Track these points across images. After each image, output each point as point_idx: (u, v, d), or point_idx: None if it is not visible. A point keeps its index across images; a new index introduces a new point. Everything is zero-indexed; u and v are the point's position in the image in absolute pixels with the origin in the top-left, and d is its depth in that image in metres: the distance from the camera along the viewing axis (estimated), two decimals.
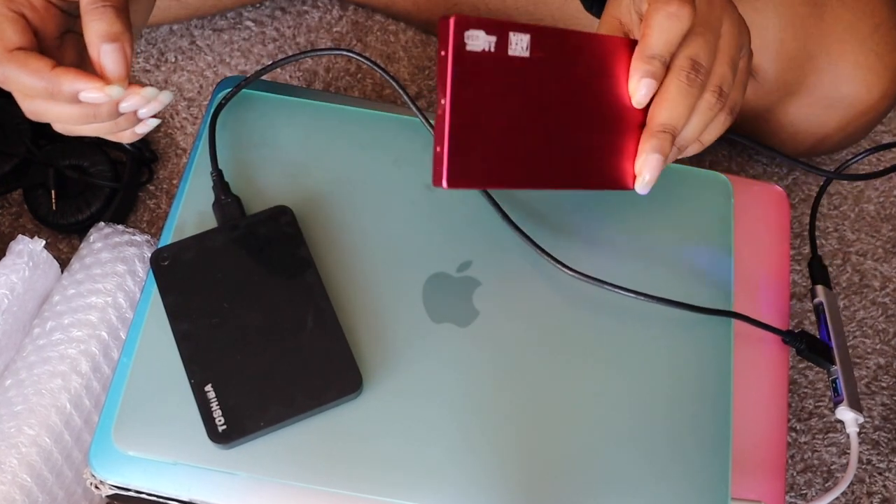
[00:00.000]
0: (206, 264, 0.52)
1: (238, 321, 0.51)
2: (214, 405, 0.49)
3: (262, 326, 0.51)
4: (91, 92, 0.45)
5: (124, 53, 0.46)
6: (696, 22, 0.48)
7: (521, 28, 0.44)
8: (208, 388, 0.49)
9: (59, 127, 0.49)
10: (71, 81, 0.45)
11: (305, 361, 0.50)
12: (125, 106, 0.47)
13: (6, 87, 0.47)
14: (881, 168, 0.73)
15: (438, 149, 0.43)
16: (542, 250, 0.53)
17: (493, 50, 0.43)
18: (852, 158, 0.66)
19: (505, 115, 0.45)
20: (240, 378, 0.49)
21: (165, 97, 0.48)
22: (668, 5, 0.47)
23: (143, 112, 0.48)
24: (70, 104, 0.46)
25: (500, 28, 0.43)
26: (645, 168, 0.49)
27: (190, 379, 0.49)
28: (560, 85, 0.47)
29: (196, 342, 0.50)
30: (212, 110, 0.58)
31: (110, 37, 0.46)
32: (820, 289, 0.59)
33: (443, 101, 0.43)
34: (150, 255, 0.64)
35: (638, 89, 0.48)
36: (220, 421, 0.48)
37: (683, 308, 0.53)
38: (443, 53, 0.42)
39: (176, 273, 0.52)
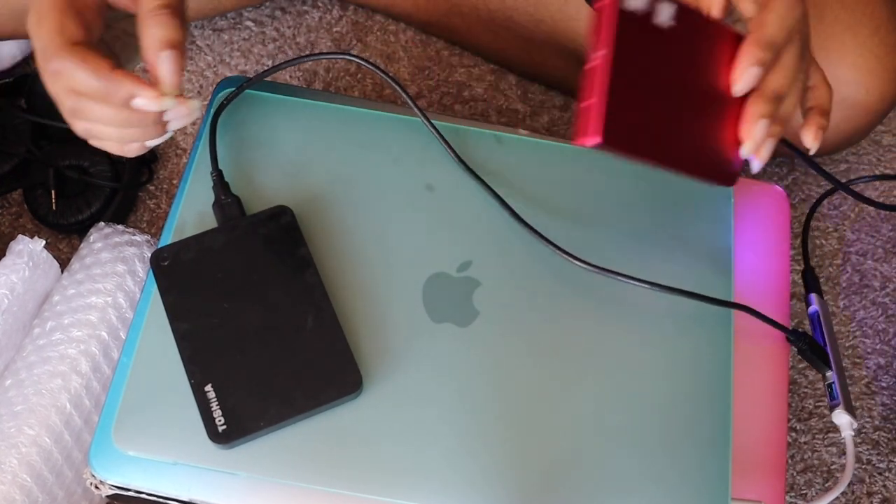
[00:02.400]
0: (206, 264, 0.52)
1: (238, 321, 0.51)
2: (214, 405, 0.48)
3: (262, 326, 0.51)
4: (147, 100, 0.46)
5: (180, 62, 0.46)
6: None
7: None
8: (208, 387, 0.49)
9: (83, 126, 0.48)
10: (130, 87, 0.45)
11: (305, 361, 0.50)
12: (171, 115, 0.47)
13: (54, 82, 0.46)
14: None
15: (593, 100, 0.41)
16: (553, 244, 0.53)
17: (644, 11, 0.43)
18: (865, 177, 0.67)
19: (649, 80, 0.44)
20: (240, 378, 0.49)
21: (196, 109, 0.48)
22: None
23: (174, 124, 0.49)
24: (118, 108, 0.46)
25: None
26: (754, 131, 0.47)
27: (190, 379, 0.49)
28: (688, 62, 0.46)
29: (196, 342, 0.50)
30: (212, 111, 0.58)
31: (169, 44, 0.45)
32: (815, 297, 0.60)
33: (602, 52, 0.42)
34: (150, 255, 0.65)
35: (744, 75, 0.47)
36: (220, 421, 0.48)
37: (692, 297, 0.52)
38: (599, 4, 0.42)
39: (176, 273, 0.52)
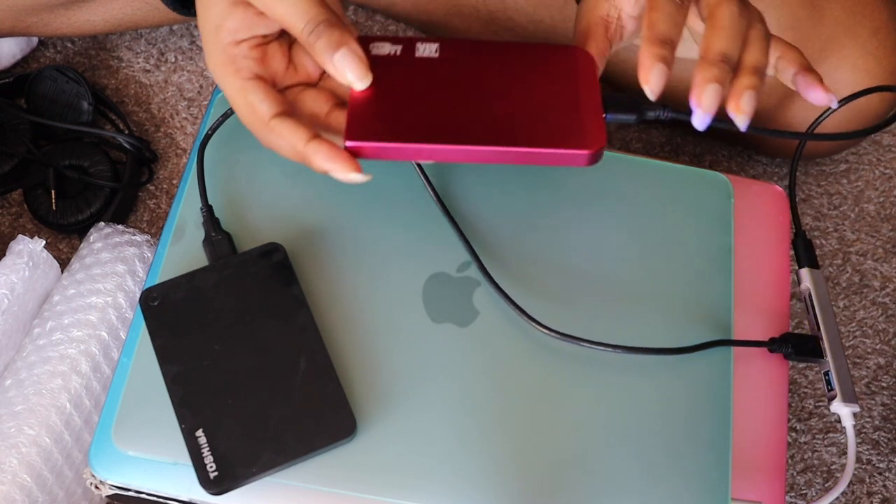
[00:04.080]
0: (196, 305, 0.51)
1: (229, 364, 0.49)
2: (206, 451, 0.47)
3: (254, 369, 0.49)
4: (337, 174, 0.46)
5: (355, 52, 0.47)
6: None
7: (431, 39, 0.50)
8: (199, 433, 0.48)
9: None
10: (321, 161, 0.46)
11: (298, 405, 0.49)
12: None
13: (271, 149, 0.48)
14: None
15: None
16: (517, 306, 0.52)
17: (398, 54, 0.49)
18: (823, 135, 0.57)
19: (408, 89, 0.48)
20: (231, 423, 0.48)
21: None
22: None
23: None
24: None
25: (407, 40, 0.50)
26: (705, 97, 0.46)
27: (180, 424, 0.48)
28: (470, 71, 0.49)
29: (186, 386, 0.49)
30: (198, 143, 0.56)
31: (335, 46, 0.46)
32: (805, 272, 0.57)
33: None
34: (150, 254, 0.65)
35: (653, 76, 0.46)
36: (211, 468, 0.47)
37: (657, 353, 0.52)
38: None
39: (166, 314, 0.51)
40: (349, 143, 0.46)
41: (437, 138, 0.46)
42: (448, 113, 0.47)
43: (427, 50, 0.50)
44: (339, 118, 0.49)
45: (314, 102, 0.50)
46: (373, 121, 0.47)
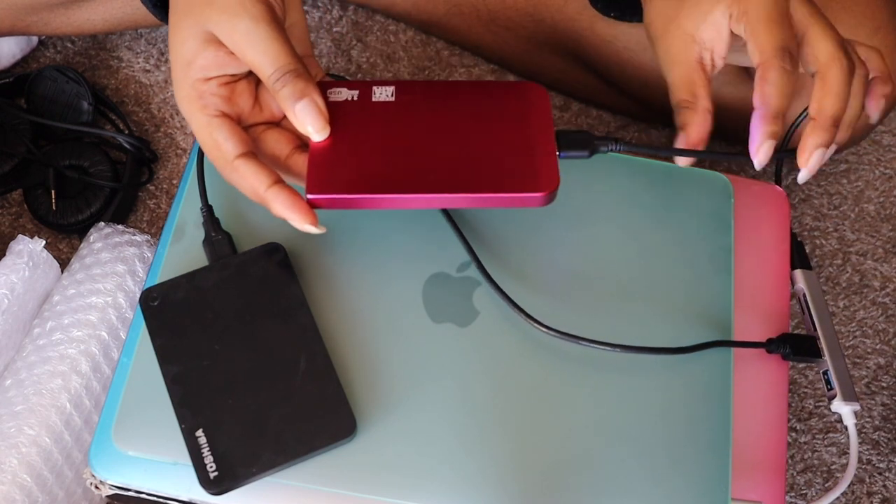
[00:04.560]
0: (196, 304, 0.51)
1: (229, 364, 0.49)
2: (206, 451, 0.47)
3: (254, 369, 0.49)
4: (294, 223, 0.48)
5: (316, 105, 0.48)
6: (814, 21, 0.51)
7: (387, 82, 0.52)
8: (199, 433, 0.48)
9: None
10: (279, 208, 0.47)
11: (298, 405, 0.49)
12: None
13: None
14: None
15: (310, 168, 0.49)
16: (516, 305, 0.52)
17: (356, 99, 0.51)
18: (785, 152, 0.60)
19: (366, 138, 0.50)
20: (231, 423, 0.48)
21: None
22: (782, 60, 0.49)
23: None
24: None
25: (364, 85, 0.52)
26: (812, 161, 0.51)
27: (180, 424, 0.48)
28: (425, 115, 0.51)
29: (186, 386, 0.49)
30: (198, 143, 0.57)
31: (298, 96, 0.47)
32: (799, 273, 0.58)
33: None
34: (150, 254, 0.65)
35: (762, 152, 0.50)
36: (211, 468, 0.47)
37: (657, 353, 0.52)
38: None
39: (166, 314, 0.51)
40: (310, 196, 0.48)
41: (394, 189, 0.48)
42: (405, 162, 0.49)
43: (383, 93, 0.52)
44: (300, 161, 0.50)
45: (276, 143, 0.51)
46: (333, 173, 0.48)
